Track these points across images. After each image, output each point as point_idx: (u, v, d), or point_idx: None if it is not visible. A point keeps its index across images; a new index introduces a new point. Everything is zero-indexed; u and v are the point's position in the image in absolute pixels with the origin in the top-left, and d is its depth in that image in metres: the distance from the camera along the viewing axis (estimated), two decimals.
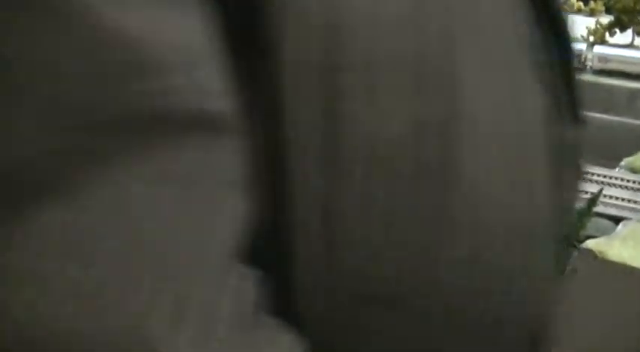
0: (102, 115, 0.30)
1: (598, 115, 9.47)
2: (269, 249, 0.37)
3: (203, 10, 0.33)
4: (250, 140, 0.35)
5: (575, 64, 0.51)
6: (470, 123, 0.39)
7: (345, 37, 0.36)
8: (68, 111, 0.30)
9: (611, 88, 11.84)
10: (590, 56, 12.82)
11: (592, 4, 15.05)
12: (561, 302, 0.50)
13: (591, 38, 14.00)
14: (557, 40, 0.48)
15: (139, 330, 0.29)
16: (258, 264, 0.35)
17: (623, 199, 5.68)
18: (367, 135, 0.37)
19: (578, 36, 13.06)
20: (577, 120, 0.51)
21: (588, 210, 2.72)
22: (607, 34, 14.26)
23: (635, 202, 5.67)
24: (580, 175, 0.54)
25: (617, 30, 14.28)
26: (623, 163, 6.55)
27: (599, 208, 3.79)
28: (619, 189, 5.86)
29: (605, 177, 5.90)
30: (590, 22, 14.28)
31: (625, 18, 14.12)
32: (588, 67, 12.69)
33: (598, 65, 12.76)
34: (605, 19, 14.51)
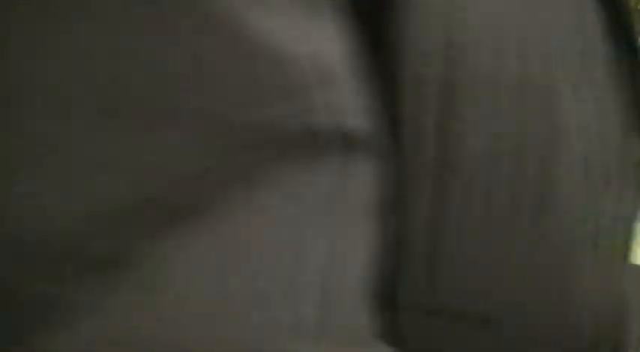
0: (244, 134, 0.29)
1: None
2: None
3: (340, 23, 0.32)
4: (386, 162, 0.34)
5: None
6: (566, 141, 0.40)
7: (462, 55, 0.37)
8: (220, 130, 0.28)
9: None
10: None
11: None
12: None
13: None
14: (629, 51, 0.49)
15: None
16: None
17: None
18: (471, 150, 0.38)
19: None
20: None
21: None
22: None
23: None
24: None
25: None
26: None
27: None
28: None
29: None
30: None
31: None
32: None
33: None
34: None
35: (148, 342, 0.28)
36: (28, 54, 0.28)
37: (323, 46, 0.31)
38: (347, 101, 0.31)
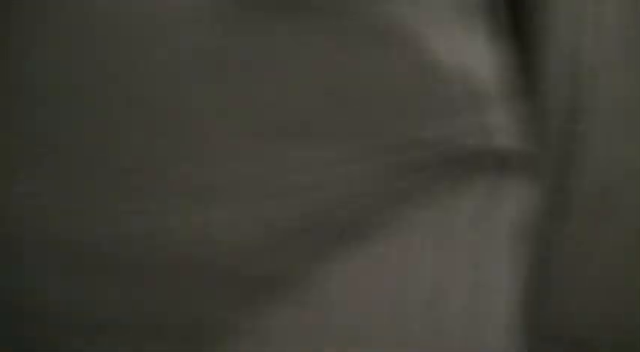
0: (408, 154, 0.29)
1: None
2: None
3: (493, 45, 0.33)
4: (533, 184, 0.34)
5: None
6: None
7: (585, 85, 0.37)
8: (383, 149, 0.28)
9: None
10: None
11: None
12: None
13: None
14: None
15: None
16: None
17: None
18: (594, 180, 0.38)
19: None
20: None
21: None
22: None
23: None
24: None
25: None
26: None
27: None
28: None
29: None
30: None
31: None
32: None
33: None
34: None
35: None
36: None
37: (479, 66, 0.31)
38: (499, 121, 0.31)
